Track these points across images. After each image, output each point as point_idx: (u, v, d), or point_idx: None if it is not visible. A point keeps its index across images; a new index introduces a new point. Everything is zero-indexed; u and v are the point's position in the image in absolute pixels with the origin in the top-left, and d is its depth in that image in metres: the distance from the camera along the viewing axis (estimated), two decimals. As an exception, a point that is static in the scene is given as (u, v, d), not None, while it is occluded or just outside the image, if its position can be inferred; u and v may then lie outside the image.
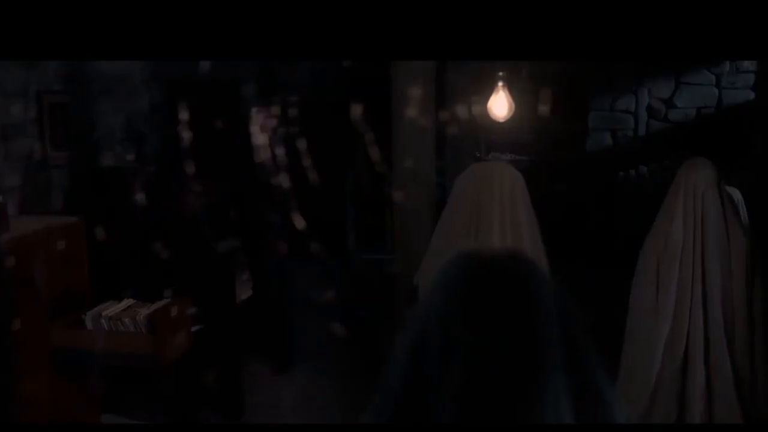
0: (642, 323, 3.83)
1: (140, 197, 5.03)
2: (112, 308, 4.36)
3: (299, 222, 5.60)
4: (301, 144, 5.86)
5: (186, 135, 5.34)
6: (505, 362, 1.05)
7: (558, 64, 6.66)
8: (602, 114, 7.56)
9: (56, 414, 4.31)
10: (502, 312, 1.09)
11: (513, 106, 5.08)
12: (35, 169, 5.28)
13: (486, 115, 5.14)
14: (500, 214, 3.54)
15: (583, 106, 7.52)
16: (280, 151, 5.75)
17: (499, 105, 5.06)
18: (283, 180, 5.55)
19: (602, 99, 7.55)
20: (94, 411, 4.67)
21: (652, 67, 7.29)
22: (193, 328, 4.55)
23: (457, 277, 1.14)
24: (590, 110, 7.55)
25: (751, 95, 7.31)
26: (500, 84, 5.01)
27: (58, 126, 5.46)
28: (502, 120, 5.09)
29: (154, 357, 4.19)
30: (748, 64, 7.21)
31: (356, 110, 5.78)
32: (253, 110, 5.83)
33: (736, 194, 4.91)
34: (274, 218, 5.56)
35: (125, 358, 4.22)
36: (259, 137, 5.71)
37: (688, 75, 7.38)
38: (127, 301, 4.46)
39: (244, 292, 5.73)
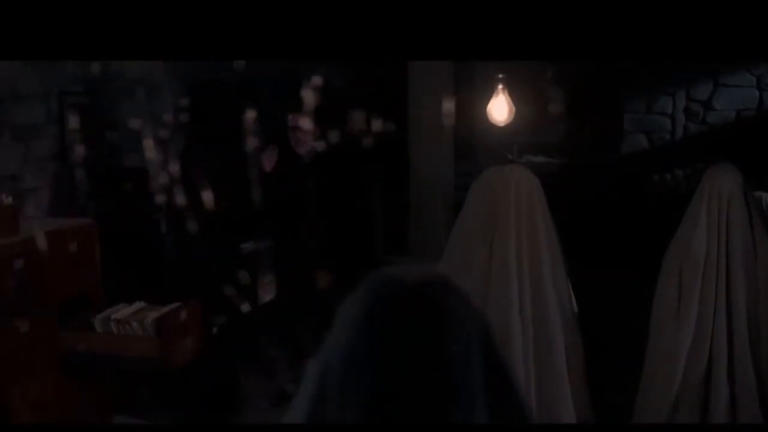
0: (664, 332, 3.71)
1: (159, 198, 4.99)
2: (121, 311, 4.32)
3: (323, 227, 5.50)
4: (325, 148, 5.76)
5: (206, 137, 5.30)
6: (415, 392, 1.01)
7: (592, 66, 6.51)
8: (638, 116, 7.39)
9: (65, 415, 4.28)
10: (411, 339, 1.04)
11: (513, 109, 4.96)
12: (55, 169, 5.27)
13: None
14: (516, 221, 3.45)
15: (618, 109, 7.36)
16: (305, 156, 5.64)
17: (499, 108, 4.95)
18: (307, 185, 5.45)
19: (638, 101, 7.38)
20: (103, 413, 4.64)
21: (690, 68, 7.09)
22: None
23: (367, 302, 1.09)
24: (625, 112, 7.39)
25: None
26: (500, 87, 4.90)
27: (79, 127, 5.45)
28: (502, 124, 4.98)
29: (162, 360, 4.13)
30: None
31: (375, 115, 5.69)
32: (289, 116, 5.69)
33: (768, 198, 4.76)
34: (297, 223, 5.47)
35: (133, 362, 4.18)
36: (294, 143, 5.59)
37: (726, 76, 7.16)
38: (137, 304, 4.43)
39: (266, 295, 5.68)
